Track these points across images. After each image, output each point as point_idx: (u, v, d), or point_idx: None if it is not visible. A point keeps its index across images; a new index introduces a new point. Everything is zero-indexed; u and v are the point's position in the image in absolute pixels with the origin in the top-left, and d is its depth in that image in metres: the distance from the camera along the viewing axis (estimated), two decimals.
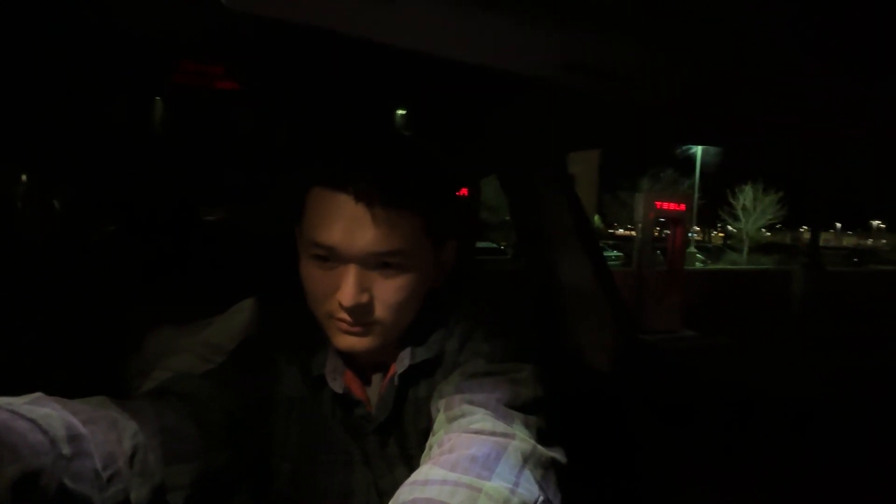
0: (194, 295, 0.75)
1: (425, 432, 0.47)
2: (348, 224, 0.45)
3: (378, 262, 0.46)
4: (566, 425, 0.50)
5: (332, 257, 0.47)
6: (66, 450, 0.35)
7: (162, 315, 0.65)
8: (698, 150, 20.84)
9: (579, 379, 1.05)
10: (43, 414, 0.36)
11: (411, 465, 0.50)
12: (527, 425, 0.43)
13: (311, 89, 1.09)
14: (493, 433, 0.41)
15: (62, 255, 1.06)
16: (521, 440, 0.41)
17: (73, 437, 0.37)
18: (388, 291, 0.47)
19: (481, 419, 0.42)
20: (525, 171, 1.11)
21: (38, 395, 0.39)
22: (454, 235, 0.53)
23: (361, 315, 0.47)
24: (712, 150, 21.35)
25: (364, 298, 0.46)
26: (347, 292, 0.45)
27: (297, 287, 0.52)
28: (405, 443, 0.52)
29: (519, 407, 0.45)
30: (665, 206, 6.34)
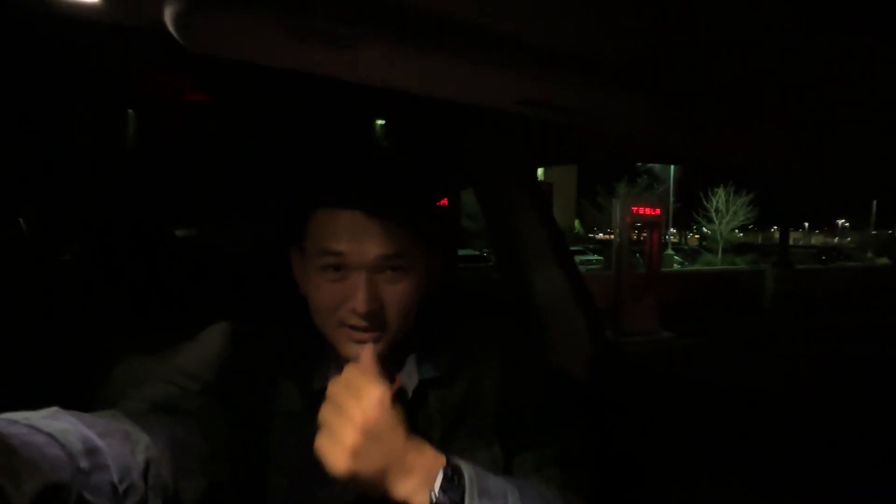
0: (165, 318, 0.74)
1: (435, 444, 0.48)
2: (356, 233, 0.49)
3: (384, 267, 0.50)
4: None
5: (342, 266, 0.50)
6: (83, 463, 0.36)
7: (130, 342, 0.64)
8: None
9: (555, 383, 1.08)
10: (60, 428, 0.37)
11: None
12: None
13: (289, 105, 1.10)
14: None
15: (28, 278, 1.04)
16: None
17: (90, 451, 0.37)
18: (395, 295, 0.51)
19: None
20: (498, 182, 1.14)
21: (54, 409, 0.39)
22: (440, 244, 0.56)
23: (374, 319, 0.50)
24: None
25: (376, 304, 0.50)
26: (362, 297, 0.49)
27: (277, 305, 0.54)
28: None
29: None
30: (641, 210, 6.49)
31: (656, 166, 22.90)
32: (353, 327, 0.51)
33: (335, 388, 0.46)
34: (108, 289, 0.99)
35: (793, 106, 0.38)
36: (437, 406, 0.54)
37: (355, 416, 0.43)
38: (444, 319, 0.59)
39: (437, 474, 0.45)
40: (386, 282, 0.51)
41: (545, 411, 0.57)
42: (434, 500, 0.45)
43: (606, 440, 0.97)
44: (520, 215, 1.12)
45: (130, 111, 1.16)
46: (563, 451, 0.55)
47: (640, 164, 21.38)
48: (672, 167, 21.58)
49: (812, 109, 0.38)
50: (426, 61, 0.32)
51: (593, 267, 15.75)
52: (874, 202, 28.46)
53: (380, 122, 1.29)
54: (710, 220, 22.92)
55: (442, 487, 0.45)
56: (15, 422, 0.35)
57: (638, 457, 0.94)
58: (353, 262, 0.50)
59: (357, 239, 0.49)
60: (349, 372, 0.46)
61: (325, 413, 0.45)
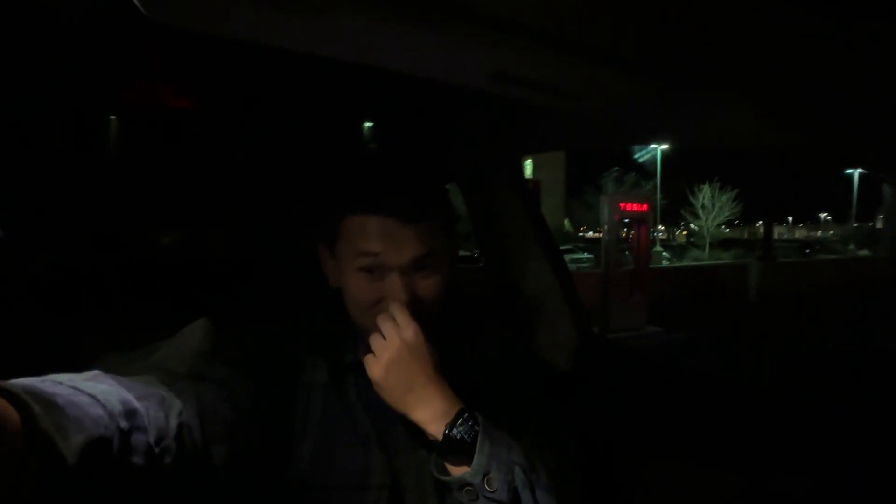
0: (141, 320, 0.75)
1: None
2: (391, 237, 0.54)
3: (417, 266, 0.55)
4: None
5: (377, 267, 0.55)
6: (123, 423, 0.38)
7: (105, 343, 0.65)
8: (658, 151, 21.66)
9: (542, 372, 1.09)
10: (101, 390, 0.39)
11: (430, 445, 0.54)
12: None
13: (274, 107, 1.11)
14: None
15: (9, 281, 1.03)
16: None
17: (129, 412, 0.39)
18: (427, 290, 0.56)
19: None
20: (481, 176, 1.16)
21: (96, 372, 0.42)
22: (458, 240, 0.63)
23: (411, 311, 0.54)
24: (672, 152, 22.22)
25: (411, 298, 0.55)
26: (400, 296, 0.54)
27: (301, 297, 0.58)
28: None
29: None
30: (628, 207, 6.55)
31: (646, 162, 23.09)
32: None
33: (383, 322, 0.53)
34: (82, 296, 0.99)
35: (771, 81, 0.37)
36: (455, 382, 0.57)
37: (394, 340, 0.52)
38: (455, 309, 0.63)
39: (454, 412, 0.51)
40: (419, 278, 0.56)
41: (535, 412, 0.62)
42: (447, 432, 0.50)
43: (592, 430, 1.00)
44: (505, 209, 1.13)
45: (113, 117, 1.16)
46: (551, 449, 0.58)
47: (636, 156, 21.52)
48: (658, 163, 21.81)
49: (790, 86, 0.38)
50: (392, 32, 0.31)
51: (584, 265, 15.83)
52: (854, 196, 29.05)
53: (368, 124, 1.31)
54: (696, 217, 23.21)
55: (457, 425, 0.51)
56: (60, 383, 0.37)
57: (623, 446, 0.96)
58: (389, 263, 0.54)
59: (392, 242, 0.54)
60: (395, 311, 0.54)
61: (373, 340, 0.54)
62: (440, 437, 0.51)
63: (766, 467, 0.79)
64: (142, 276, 1.07)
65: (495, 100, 0.88)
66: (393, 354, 0.52)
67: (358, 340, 0.60)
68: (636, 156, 21.97)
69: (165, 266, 1.15)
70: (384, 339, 0.53)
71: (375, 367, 0.52)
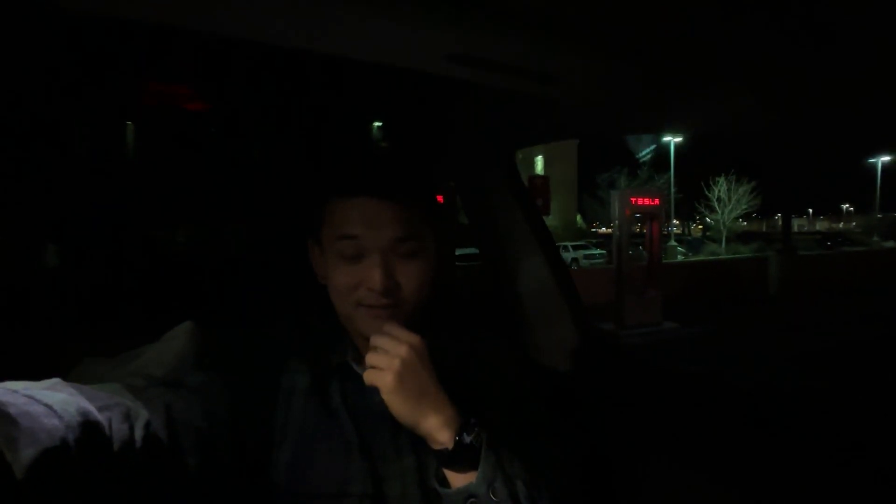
0: (128, 323, 0.74)
1: None
2: (370, 218, 0.53)
3: (397, 249, 0.54)
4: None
5: (358, 249, 0.54)
6: (80, 435, 0.36)
7: (90, 349, 0.64)
8: (671, 144, 21.34)
9: (540, 375, 1.06)
10: (59, 399, 0.37)
11: (419, 455, 0.54)
12: None
13: (278, 107, 1.10)
14: None
15: (16, 283, 1.04)
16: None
17: (88, 424, 0.37)
18: (408, 274, 0.55)
19: None
20: (475, 173, 1.13)
21: (55, 380, 0.40)
22: (445, 233, 0.61)
23: (389, 296, 0.54)
24: (686, 145, 21.87)
25: (391, 281, 0.54)
26: (378, 275, 0.53)
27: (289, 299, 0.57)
28: (416, 434, 0.54)
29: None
30: (640, 201, 6.47)
31: (648, 159, 22.79)
32: (371, 306, 0.54)
33: (378, 339, 0.52)
34: (99, 293, 0.99)
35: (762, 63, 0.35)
36: (449, 390, 0.56)
37: (400, 348, 0.51)
38: (451, 313, 0.63)
39: (460, 420, 0.51)
40: (399, 262, 0.55)
41: (534, 425, 0.60)
42: (458, 438, 0.50)
43: (593, 435, 0.96)
44: (501, 205, 1.11)
45: (129, 123, 1.17)
46: (551, 464, 0.56)
47: (639, 155, 21.27)
48: (672, 157, 21.50)
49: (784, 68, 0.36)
50: (345, 19, 0.30)
51: (597, 261, 15.70)
52: (878, 185, 28.20)
53: (376, 123, 1.30)
54: (712, 210, 22.81)
55: (466, 430, 0.50)
56: (15, 391, 0.36)
57: (625, 447, 0.93)
58: (369, 245, 0.54)
59: (371, 223, 0.54)
60: (387, 327, 0.52)
61: (371, 357, 0.52)
62: (450, 445, 0.49)
63: (781, 478, 0.74)
64: (131, 277, 1.07)
65: (483, 94, 0.86)
66: (405, 361, 0.50)
67: (345, 342, 0.59)
68: (639, 155, 21.66)
69: (155, 268, 1.15)
70: (385, 352, 0.51)
71: (385, 376, 0.50)
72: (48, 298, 0.98)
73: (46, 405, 0.36)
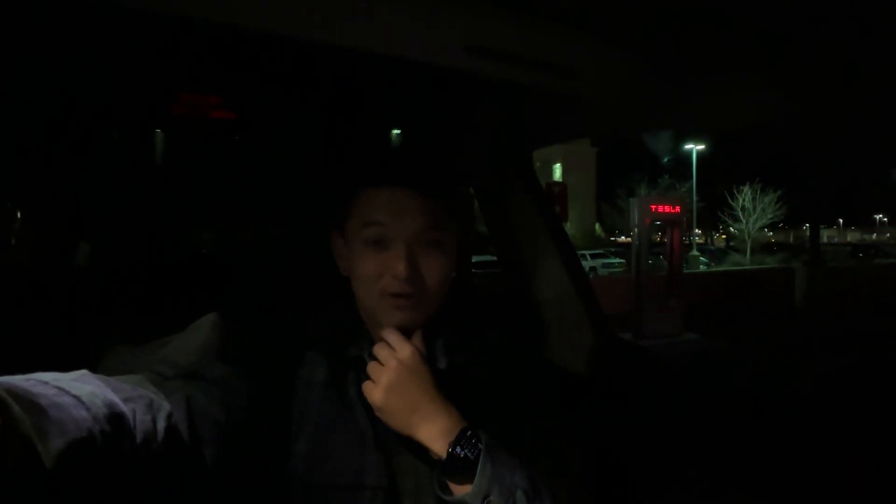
0: (176, 316, 0.78)
1: None
2: (397, 207, 0.55)
3: (422, 239, 0.55)
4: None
5: (383, 239, 0.55)
6: (106, 426, 0.37)
7: (121, 338, 0.67)
8: (693, 151, 20.92)
9: (556, 376, 1.06)
10: (87, 391, 0.38)
11: (433, 462, 0.53)
12: None
13: (302, 110, 1.13)
14: None
15: (53, 283, 1.09)
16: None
17: (114, 416, 0.38)
18: (431, 265, 0.56)
19: None
20: (492, 177, 1.14)
21: (83, 372, 0.41)
22: (467, 228, 0.63)
23: (413, 286, 0.55)
24: (707, 152, 21.40)
25: (414, 271, 0.54)
26: (403, 264, 0.54)
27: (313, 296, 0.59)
28: None
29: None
30: (660, 209, 6.35)
31: (678, 163, 22.34)
32: (395, 295, 0.55)
33: (379, 349, 0.54)
34: (114, 296, 1.03)
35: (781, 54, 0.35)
36: (460, 390, 0.56)
37: (390, 363, 0.52)
38: (468, 313, 0.64)
39: (457, 431, 0.51)
40: (423, 253, 0.56)
41: (548, 430, 0.59)
42: (451, 450, 0.49)
43: (609, 444, 0.95)
44: (519, 209, 1.11)
45: (158, 131, 1.22)
46: (562, 472, 0.55)
47: (667, 159, 20.81)
48: (694, 165, 21.06)
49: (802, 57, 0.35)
50: (364, 11, 0.30)
51: (616, 270, 15.43)
52: None
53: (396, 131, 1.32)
54: (736, 220, 22.21)
55: (461, 443, 0.50)
56: (45, 383, 0.37)
57: (641, 456, 0.91)
58: (394, 234, 0.55)
59: (398, 212, 0.55)
60: (388, 335, 0.54)
61: (370, 367, 0.54)
62: (444, 456, 0.49)
63: (804, 495, 0.72)
64: (161, 272, 1.11)
65: (500, 92, 0.87)
66: (391, 377, 0.51)
67: (363, 336, 0.60)
68: (666, 159, 21.23)
69: (184, 263, 1.19)
70: (380, 363, 0.53)
71: (375, 392, 0.52)
72: (80, 293, 1.02)
73: (75, 396, 0.37)
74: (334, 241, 0.61)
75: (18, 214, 1.30)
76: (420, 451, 0.54)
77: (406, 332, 0.56)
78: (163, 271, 1.12)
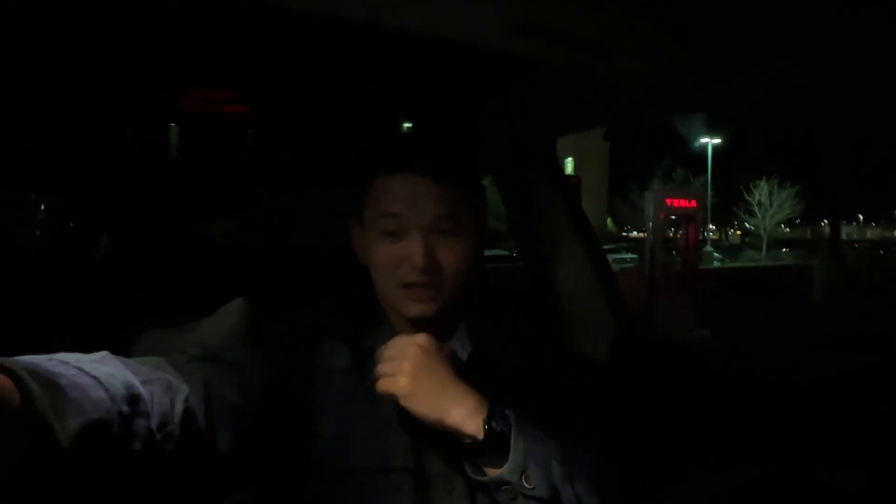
0: (194, 305, 0.79)
1: None
2: (412, 196, 0.54)
3: (438, 228, 0.55)
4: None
5: (399, 228, 0.54)
6: (124, 408, 0.38)
7: (151, 321, 0.69)
8: (709, 145, 20.53)
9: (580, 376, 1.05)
10: (106, 372, 0.38)
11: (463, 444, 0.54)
12: None
13: (315, 100, 1.13)
14: None
15: (74, 273, 1.12)
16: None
17: (132, 397, 0.39)
18: (449, 254, 0.55)
19: None
20: (514, 165, 1.12)
21: (104, 353, 0.42)
22: (485, 215, 0.61)
23: (431, 276, 0.54)
24: (723, 146, 20.98)
25: (431, 260, 0.54)
26: (419, 254, 0.53)
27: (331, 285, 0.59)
28: None
29: None
30: (676, 203, 6.24)
31: (693, 156, 21.94)
32: (412, 285, 0.54)
33: (386, 350, 0.52)
34: (140, 281, 1.06)
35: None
36: (485, 374, 0.56)
37: (409, 350, 0.51)
38: (487, 299, 0.64)
39: (486, 408, 0.50)
40: (440, 242, 0.55)
41: (570, 405, 0.60)
42: (486, 427, 0.49)
43: (630, 431, 0.94)
44: (542, 200, 1.09)
45: (172, 124, 1.24)
46: (589, 442, 0.56)
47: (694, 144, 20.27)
48: (710, 160, 20.68)
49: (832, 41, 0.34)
50: None
51: (627, 265, 15.27)
52: None
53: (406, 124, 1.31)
54: (751, 215, 21.79)
55: (494, 418, 0.49)
56: (66, 363, 0.37)
57: (660, 449, 0.91)
58: (410, 223, 0.54)
59: (413, 201, 0.54)
60: (395, 339, 0.53)
61: (381, 367, 0.52)
62: (480, 435, 0.48)
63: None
64: (188, 259, 1.13)
65: (523, 77, 0.85)
66: (415, 361, 0.50)
67: (384, 325, 0.60)
68: (694, 144, 20.70)
69: (211, 250, 1.21)
70: (394, 358, 0.51)
71: (400, 380, 0.50)
72: (103, 281, 1.05)
73: (94, 377, 0.37)
74: (352, 230, 0.61)
75: (42, 206, 1.33)
76: (445, 433, 0.54)
77: (425, 322, 0.56)
78: (181, 262, 1.14)
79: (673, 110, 0.89)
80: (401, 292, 0.55)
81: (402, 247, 0.54)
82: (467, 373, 0.54)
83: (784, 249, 20.56)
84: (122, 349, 0.44)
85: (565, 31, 0.35)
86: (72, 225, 1.36)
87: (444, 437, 0.54)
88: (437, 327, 0.57)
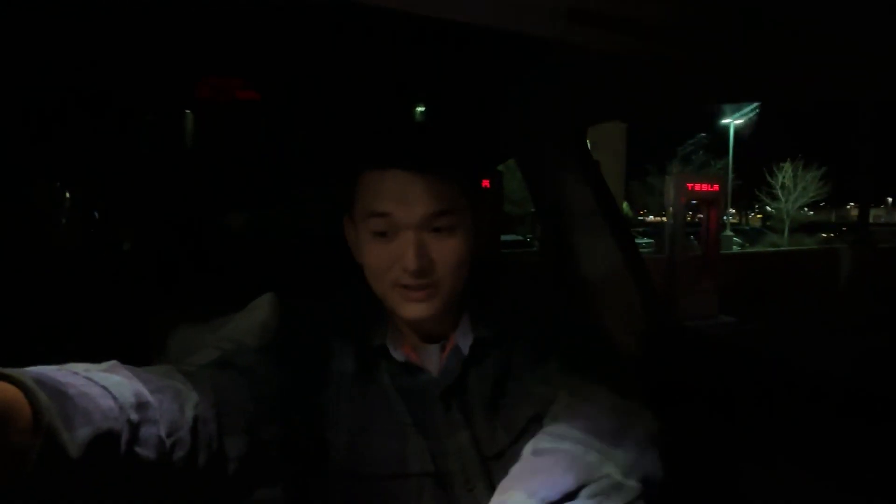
0: (216, 296, 0.78)
1: (489, 400, 0.54)
2: (401, 194, 0.51)
3: (431, 225, 0.52)
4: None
5: (390, 228, 0.51)
6: (133, 416, 0.38)
7: (183, 315, 0.68)
8: (731, 125, 19.93)
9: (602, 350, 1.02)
10: (115, 382, 0.39)
11: (473, 429, 0.53)
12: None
13: (330, 88, 1.11)
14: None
15: (100, 262, 1.13)
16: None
17: (141, 405, 0.39)
18: (444, 252, 0.52)
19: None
20: (541, 147, 1.08)
21: (113, 363, 0.42)
22: (486, 203, 0.58)
23: (425, 276, 0.51)
24: (744, 126, 20.35)
25: (425, 260, 0.51)
26: (411, 255, 0.50)
27: (332, 280, 0.57)
28: (467, 408, 0.54)
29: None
30: (697, 187, 6.10)
31: (715, 135, 21.36)
32: (407, 286, 0.52)
33: None
34: (165, 273, 1.05)
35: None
36: (490, 364, 0.55)
37: None
38: (494, 285, 0.61)
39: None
40: (434, 239, 0.52)
41: (606, 372, 0.56)
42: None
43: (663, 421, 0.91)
44: (567, 182, 1.05)
45: (188, 111, 1.23)
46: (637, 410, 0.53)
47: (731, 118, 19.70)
48: (731, 142, 20.09)
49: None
50: None
51: (644, 250, 15.07)
52: None
53: (419, 106, 1.28)
54: (773, 198, 21.20)
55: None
56: (76, 373, 0.37)
57: (696, 440, 0.88)
58: (401, 222, 0.51)
59: (402, 199, 0.51)
60: None
61: None
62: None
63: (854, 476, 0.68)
64: (213, 255, 1.13)
65: (555, 61, 0.81)
66: None
67: (384, 320, 0.58)
68: (730, 118, 19.93)
69: (234, 247, 1.21)
70: None
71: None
72: (127, 270, 1.05)
73: (103, 387, 0.37)
74: (346, 226, 0.58)
75: (67, 195, 1.34)
76: (461, 431, 0.53)
77: (423, 322, 0.54)
78: (201, 254, 1.13)
79: (719, 97, 0.84)
80: (395, 293, 0.53)
81: (393, 247, 0.52)
82: (468, 365, 0.53)
83: (814, 229, 19.99)
84: (153, 344, 0.42)
85: (611, 15, 0.32)
86: (96, 215, 1.36)
87: (460, 438, 0.53)
88: (437, 323, 0.55)
